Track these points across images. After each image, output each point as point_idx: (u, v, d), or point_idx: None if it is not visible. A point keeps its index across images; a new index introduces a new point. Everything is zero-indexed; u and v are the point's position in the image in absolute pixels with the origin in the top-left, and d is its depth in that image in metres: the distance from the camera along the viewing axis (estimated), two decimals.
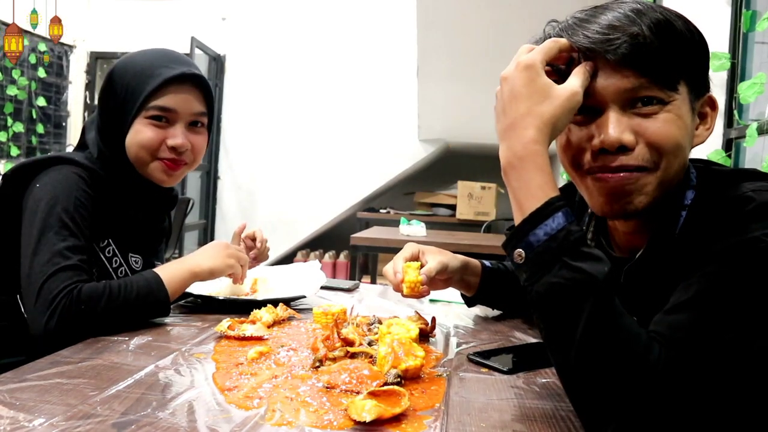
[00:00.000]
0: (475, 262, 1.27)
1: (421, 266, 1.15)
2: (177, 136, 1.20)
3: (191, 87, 1.22)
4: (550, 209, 0.70)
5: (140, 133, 1.19)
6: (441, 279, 1.19)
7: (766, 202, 0.70)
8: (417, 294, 1.12)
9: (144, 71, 1.19)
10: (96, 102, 1.28)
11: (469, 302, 1.30)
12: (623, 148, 0.75)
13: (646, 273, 0.84)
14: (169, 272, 1.15)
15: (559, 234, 0.68)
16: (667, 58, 0.75)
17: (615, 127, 0.75)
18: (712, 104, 0.84)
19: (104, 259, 1.20)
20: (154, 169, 1.22)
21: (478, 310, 1.39)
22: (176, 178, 1.26)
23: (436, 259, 1.17)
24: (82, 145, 1.28)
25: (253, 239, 1.52)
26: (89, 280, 1.08)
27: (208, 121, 1.28)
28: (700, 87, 0.81)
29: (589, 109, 0.78)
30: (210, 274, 1.21)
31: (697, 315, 0.68)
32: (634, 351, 0.66)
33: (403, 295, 1.12)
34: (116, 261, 1.22)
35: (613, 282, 0.68)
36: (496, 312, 1.37)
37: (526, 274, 0.70)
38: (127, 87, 1.19)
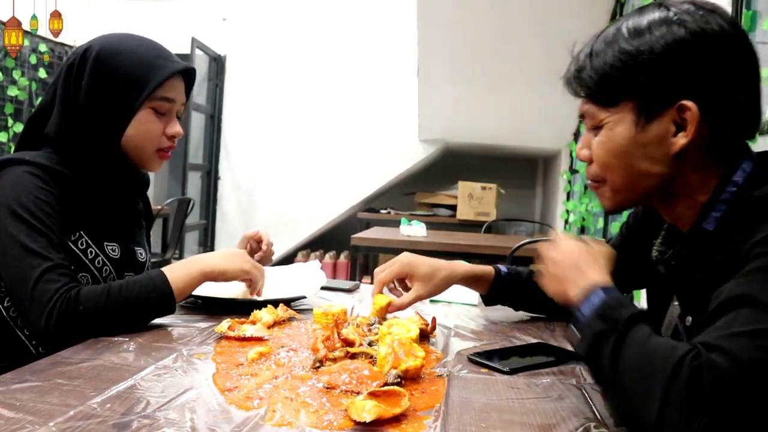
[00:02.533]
0: (485, 271, 1.28)
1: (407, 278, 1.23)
2: (175, 126, 1.25)
3: (181, 79, 1.25)
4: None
5: (144, 125, 1.20)
6: (426, 295, 1.23)
7: None
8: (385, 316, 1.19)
9: (146, 62, 1.18)
10: (72, 89, 1.19)
11: (485, 302, 1.32)
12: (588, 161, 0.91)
13: (688, 262, 0.88)
14: (175, 270, 1.14)
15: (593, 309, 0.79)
16: (599, 80, 0.85)
17: (579, 143, 0.92)
18: (686, 110, 0.82)
19: (78, 251, 1.17)
20: (151, 160, 1.25)
21: (479, 310, 1.39)
22: (161, 165, 1.29)
23: (415, 292, 1.21)
24: (29, 139, 1.23)
25: (259, 241, 1.52)
26: (74, 275, 1.08)
27: None
28: (658, 99, 0.82)
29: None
30: (221, 275, 1.19)
31: (734, 316, 0.68)
32: (662, 370, 0.66)
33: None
34: (91, 252, 1.19)
35: (636, 320, 0.73)
36: (496, 312, 1.37)
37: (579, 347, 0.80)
38: (128, 77, 1.16)
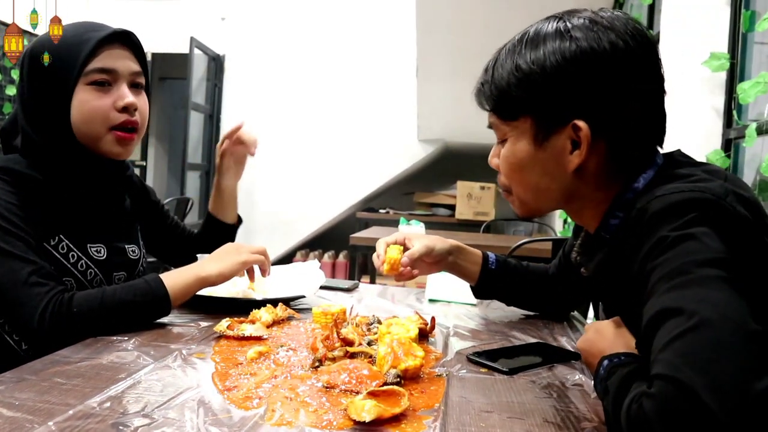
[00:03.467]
0: (473, 250, 1.31)
1: (406, 249, 1.23)
2: (125, 96, 1.15)
3: (123, 47, 1.18)
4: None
5: (86, 104, 1.13)
6: (428, 262, 1.25)
7: (656, 210, 0.73)
8: (398, 272, 1.20)
9: (71, 40, 1.14)
10: (18, 94, 1.17)
11: (476, 293, 1.33)
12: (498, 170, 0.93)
13: (602, 267, 0.90)
14: (172, 276, 1.12)
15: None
16: (498, 95, 0.86)
17: (491, 152, 0.95)
18: (579, 130, 0.82)
19: (59, 256, 1.13)
20: (107, 143, 1.16)
21: (478, 310, 1.39)
22: (130, 149, 1.20)
23: (421, 242, 1.24)
24: (6, 147, 1.20)
25: (231, 137, 1.55)
26: (59, 277, 1.07)
27: (146, 83, 1.23)
28: (552, 117, 0.83)
29: None
30: (220, 278, 1.17)
31: (660, 333, 0.64)
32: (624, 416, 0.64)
33: (384, 273, 1.19)
34: (73, 256, 1.14)
35: (627, 381, 0.69)
36: (496, 312, 1.37)
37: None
38: (57, 60, 1.12)
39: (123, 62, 1.17)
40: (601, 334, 0.87)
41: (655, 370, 0.61)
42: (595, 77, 0.80)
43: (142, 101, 1.20)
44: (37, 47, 1.15)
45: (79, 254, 1.16)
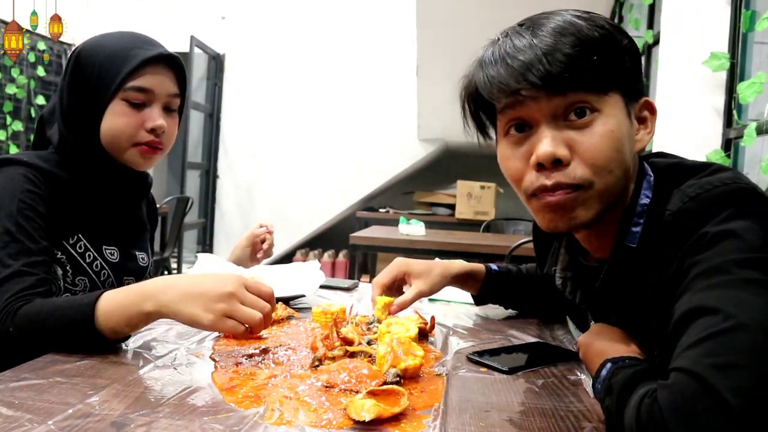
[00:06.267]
0: (477, 269, 1.28)
1: (405, 282, 1.22)
2: (156, 118, 1.16)
3: (166, 68, 1.18)
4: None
5: (117, 118, 1.14)
6: (427, 295, 1.23)
7: (694, 211, 0.72)
8: (392, 315, 1.17)
9: (117, 53, 1.14)
10: (59, 89, 1.18)
11: (476, 301, 1.33)
12: (558, 162, 0.77)
13: (617, 282, 0.85)
14: (116, 305, 0.92)
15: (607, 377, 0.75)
16: (595, 68, 0.76)
17: (550, 141, 0.77)
18: (651, 108, 0.83)
19: (76, 255, 1.14)
20: (130, 155, 1.17)
21: (478, 309, 1.39)
22: (152, 162, 1.21)
23: (416, 288, 1.20)
24: (41, 141, 1.22)
25: (263, 241, 1.54)
26: (35, 285, 1.00)
27: (180, 105, 1.24)
28: (634, 91, 0.82)
29: (522, 125, 0.81)
30: (178, 319, 0.92)
31: (690, 331, 0.64)
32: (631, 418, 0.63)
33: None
34: (89, 255, 1.17)
35: (632, 383, 0.69)
36: (495, 311, 1.37)
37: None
38: (99, 69, 1.13)
39: (162, 84, 1.17)
40: (605, 333, 0.86)
41: (678, 363, 0.60)
42: (638, 59, 0.83)
43: (171, 123, 1.21)
44: (84, 51, 1.16)
45: (95, 254, 1.18)
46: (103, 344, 0.92)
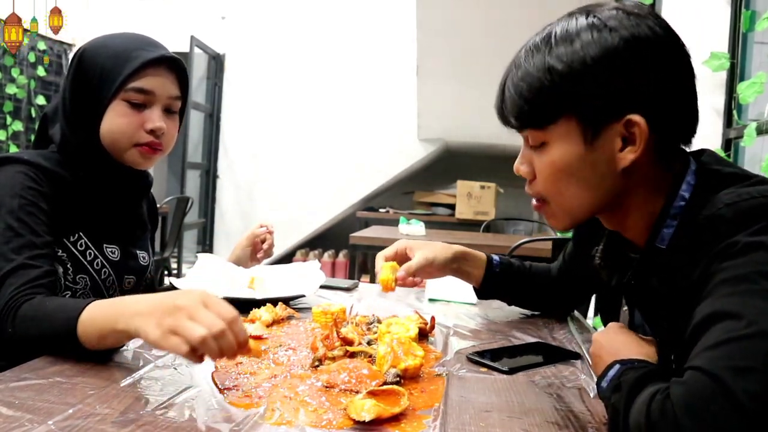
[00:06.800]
0: (477, 253, 1.29)
1: (408, 259, 1.21)
2: (155, 120, 1.16)
3: (168, 70, 1.18)
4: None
5: (118, 118, 1.15)
6: (430, 271, 1.23)
7: (729, 218, 0.71)
8: (393, 290, 1.17)
9: (120, 54, 1.14)
10: (62, 89, 1.19)
11: (479, 294, 1.33)
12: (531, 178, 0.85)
13: (646, 280, 0.85)
14: (93, 321, 0.88)
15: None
16: (531, 102, 0.80)
17: (519, 158, 0.87)
18: (637, 125, 0.78)
19: (76, 252, 1.15)
20: (130, 155, 1.18)
21: (479, 309, 1.39)
22: (152, 162, 1.22)
23: (422, 254, 1.22)
24: (42, 139, 1.23)
25: (263, 241, 1.53)
26: (40, 277, 1.01)
27: (181, 107, 1.25)
28: (601, 113, 0.78)
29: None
30: (144, 339, 0.82)
31: (709, 334, 0.64)
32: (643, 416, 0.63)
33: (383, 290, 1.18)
34: (90, 253, 1.17)
35: (641, 382, 0.69)
36: (495, 311, 1.37)
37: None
38: (101, 70, 1.14)
39: (163, 85, 1.17)
40: (621, 334, 0.85)
41: (696, 362, 0.60)
42: (644, 65, 0.76)
43: (171, 125, 1.21)
44: (90, 52, 1.17)
45: (96, 252, 1.18)
46: (93, 353, 0.89)
